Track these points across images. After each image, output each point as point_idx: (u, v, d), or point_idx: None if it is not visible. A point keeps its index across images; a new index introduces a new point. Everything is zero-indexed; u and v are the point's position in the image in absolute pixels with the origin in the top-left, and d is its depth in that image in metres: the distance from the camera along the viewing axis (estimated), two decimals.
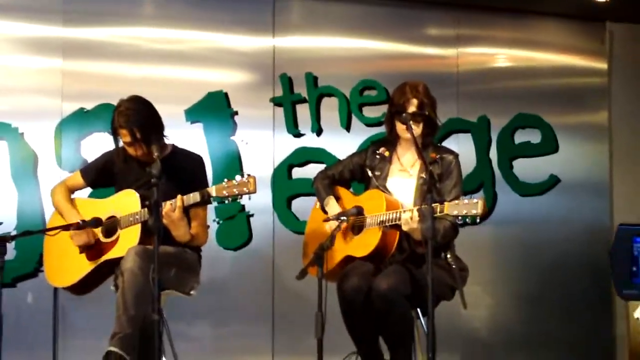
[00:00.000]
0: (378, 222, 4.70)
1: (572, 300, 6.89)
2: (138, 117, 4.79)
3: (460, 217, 4.43)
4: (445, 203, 4.47)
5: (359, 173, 5.05)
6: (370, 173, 4.96)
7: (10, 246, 5.75)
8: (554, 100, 6.99)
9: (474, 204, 4.37)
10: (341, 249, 4.84)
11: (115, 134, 4.89)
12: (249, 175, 4.54)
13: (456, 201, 4.45)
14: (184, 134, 6.04)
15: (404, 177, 4.89)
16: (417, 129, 4.78)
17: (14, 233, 5.77)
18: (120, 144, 4.91)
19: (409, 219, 4.55)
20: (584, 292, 6.92)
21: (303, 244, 5.13)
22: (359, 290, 4.62)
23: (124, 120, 4.80)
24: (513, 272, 6.83)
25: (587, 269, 6.95)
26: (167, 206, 4.61)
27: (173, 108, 6.22)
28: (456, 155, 4.89)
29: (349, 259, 4.82)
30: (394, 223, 4.65)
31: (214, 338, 6.37)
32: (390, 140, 4.98)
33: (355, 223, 4.84)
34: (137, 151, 4.84)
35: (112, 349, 4.49)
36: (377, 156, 4.98)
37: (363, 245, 4.77)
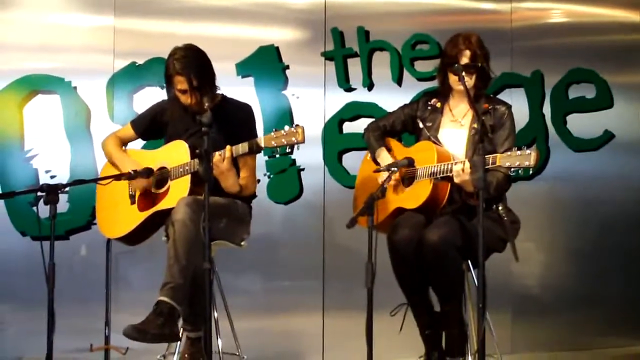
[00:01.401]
0: (429, 173, 4.67)
1: (626, 258, 6.81)
2: (195, 63, 4.79)
3: (512, 169, 4.38)
4: (498, 154, 4.43)
5: (410, 124, 5.02)
6: (421, 124, 4.93)
7: (64, 199, 5.88)
8: (609, 56, 6.86)
9: (526, 156, 4.32)
10: (392, 201, 4.83)
11: (169, 82, 4.89)
12: (297, 125, 4.53)
13: (508, 152, 4.40)
14: (235, 89, 6.02)
15: (455, 127, 4.86)
16: (470, 81, 4.74)
17: None
18: (172, 94, 4.92)
19: (461, 170, 4.52)
20: (638, 250, 6.83)
21: (353, 196, 5.14)
22: (409, 242, 4.61)
23: (180, 67, 4.80)
24: (566, 229, 6.76)
25: None
26: (215, 157, 4.61)
27: (224, 64, 6.20)
28: (509, 107, 4.85)
29: (399, 211, 4.80)
30: (445, 175, 4.62)
31: (264, 291, 6.40)
32: (443, 92, 4.94)
33: (406, 175, 4.82)
34: (191, 99, 4.83)
35: (163, 298, 4.51)
36: (429, 107, 4.96)
37: (414, 197, 4.75)
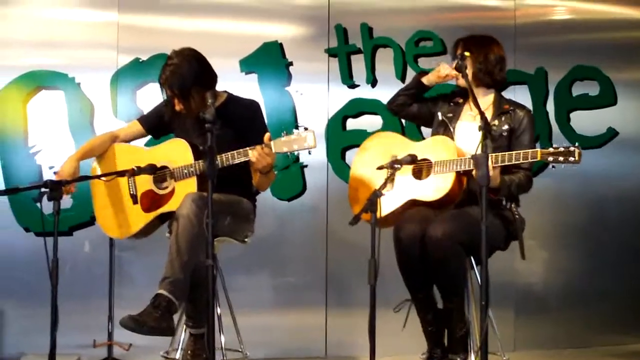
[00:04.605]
0: (451, 167, 4.69)
1: (629, 255, 6.81)
2: (178, 75, 4.78)
3: (554, 165, 4.52)
4: (538, 150, 4.53)
5: (427, 114, 5.08)
6: (441, 116, 4.99)
7: (67, 195, 5.87)
8: (613, 53, 6.86)
9: (570, 152, 4.46)
10: (403, 193, 4.82)
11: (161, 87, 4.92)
12: (306, 128, 4.53)
13: (551, 149, 4.49)
14: (238, 85, 6.03)
15: (471, 121, 4.88)
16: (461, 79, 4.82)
17: None
18: None
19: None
20: None
21: (349, 188, 5.13)
22: (415, 238, 4.62)
23: (164, 78, 4.83)
24: (570, 226, 6.76)
25: None
26: (258, 150, 4.61)
27: (228, 60, 6.24)
28: (529, 110, 4.96)
29: (412, 204, 4.81)
30: (466, 169, 4.66)
31: (268, 287, 6.40)
32: (462, 92, 4.99)
33: (422, 167, 4.83)
34: (178, 106, 4.85)
35: (162, 292, 4.50)
36: (451, 104, 5.06)
37: (434, 189, 4.76)
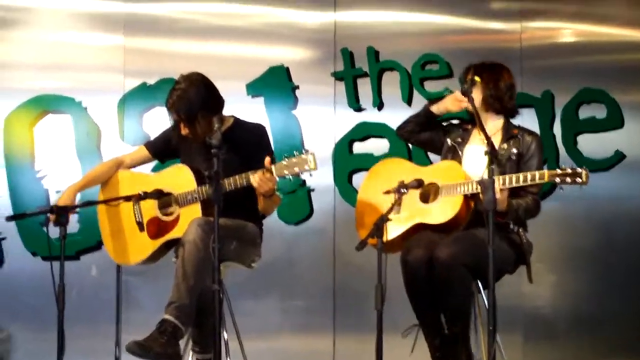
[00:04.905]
0: (459, 190, 4.70)
1: (637, 277, 6.76)
2: (185, 100, 4.78)
3: (561, 187, 4.54)
4: (546, 171, 4.53)
5: (437, 141, 5.08)
6: (450, 142, 4.99)
7: (74, 219, 5.89)
8: (620, 75, 6.83)
9: (578, 173, 4.46)
10: (409, 217, 4.82)
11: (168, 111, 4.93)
12: (306, 151, 4.52)
13: (558, 170, 4.49)
14: (245, 109, 6.03)
15: (480, 145, 4.87)
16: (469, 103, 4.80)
17: None
18: None
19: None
20: None
21: (356, 213, 5.12)
22: (422, 261, 4.61)
23: (171, 102, 4.83)
24: (577, 249, 6.72)
25: None
26: (259, 174, 4.60)
27: (234, 83, 6.26)
28: (537, 136, 4.95)
29: (418, 227, 4.81)
30: (472, 192, 4.66)
31: (275, 312, 6.38)
32: (472, 118, 5.00)
33: (429, 191, 4.83)
34: (184, 130, 4.85)
35: (168, 317, 4.48)
36: (461, 129, 5.06)
37: (441, 212, 4.76)
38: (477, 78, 4.86)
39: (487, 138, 4.43)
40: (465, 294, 4.63)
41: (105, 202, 4.97)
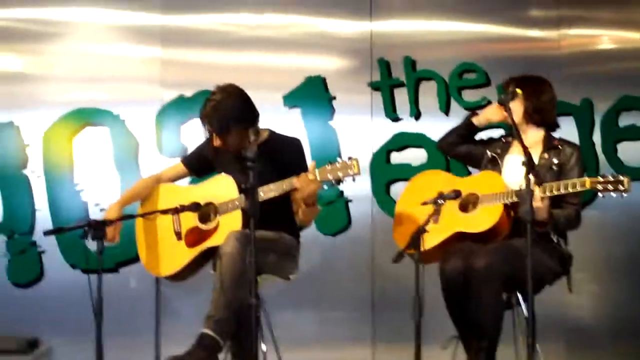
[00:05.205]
0: (498, 200, 4.69)
1: None
2: (219, 111, 4.79)
3: (603, 194, 4.54)
4: (587, 178, 4.54)
5: (477, 155, 5.09)
6: (490, 153, 5.00)
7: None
8: None
9: (620, 181, 4.47)
10: (448, 227, 4.80)
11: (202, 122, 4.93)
12: (350, 157, 4.55)
13: (600, 178, 4.50)
14: (282, 120, 6.07)
15: (520, 155, 4.85)
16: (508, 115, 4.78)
17: None
18: None
19: (538, 197, 4.53)
20: None
21: (394, 223, 5.11)
22: (459, 271, 4.60)
23: (204, 113, 4.83)
24: (618, 259, 6.65)
25: None
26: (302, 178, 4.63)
27: (271, 94, 6.26)
28: (578, 147, 4.94)
29: (457, 237, 4.79)
30: (513, 201, 4.65)
31: (313, 323, 6.37)
32: (512, 132, 4.99)
33: (468, 201, 4.81)
34: (216, 142, 4.84)
35: (207, 331, 4.49)
36: (502, 141, 5.07)
37: (480, 220, 4.75)
38: (518, 90, 4.85)
39: (524, 148, 4.41)
40: (495, 309, 4.59)
41: (143, 215, 4.98)
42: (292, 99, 6.38)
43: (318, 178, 4.58)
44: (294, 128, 6.12)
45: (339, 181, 4.62)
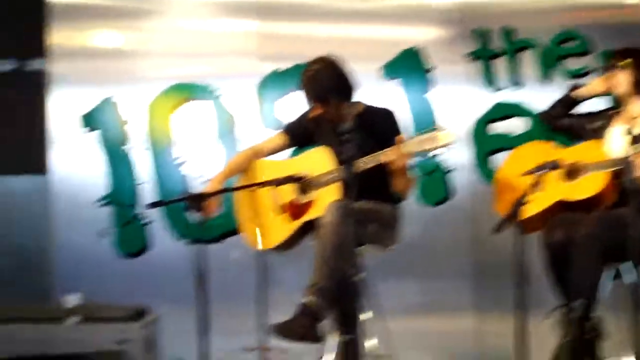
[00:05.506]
0: (601, 168, 4.67)
1: None
2: (317, 80, 4.84)
3: None
4: None
5: (580, 127, 5.09)
6: (594, 125, 4.99)
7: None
8: None
9: None
10: (551, 195, 4.78)
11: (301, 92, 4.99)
12: (436, 127, 4.55)
13: None
14: (379, 92, 6.08)
15: (624, 125, 4.82)
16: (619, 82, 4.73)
17: None
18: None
19: None
20: None
21: (495, 193, 5.15)
22: (562, 243, 4.60)
23: (302, 84, 4.90)
24: None
25: None
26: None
27: (366, 66, 6.23)
28: None
29: (560, 206, 4.76)
30: (617, 169, 4.61)
31: (415, 293, 6.37)
32: (615, 105, 4.98)
33: (571, 170, 4.77)
34: (316, 110, 4.88)
35: (309, 299, 4.58)
36: (605, 113, 5.04)
37: (584, 188, 4.74)
38: (628, 60, 4.80)
39: (628, 117, 4.36)
40: (593, 273, 4.58)
41: (239, 188, 5.06)
42: (391, 70, 6.37)
43: (408, 149, 4.59)
44: (392, 100, 6.11)
45: (431, 151, 4.61)
